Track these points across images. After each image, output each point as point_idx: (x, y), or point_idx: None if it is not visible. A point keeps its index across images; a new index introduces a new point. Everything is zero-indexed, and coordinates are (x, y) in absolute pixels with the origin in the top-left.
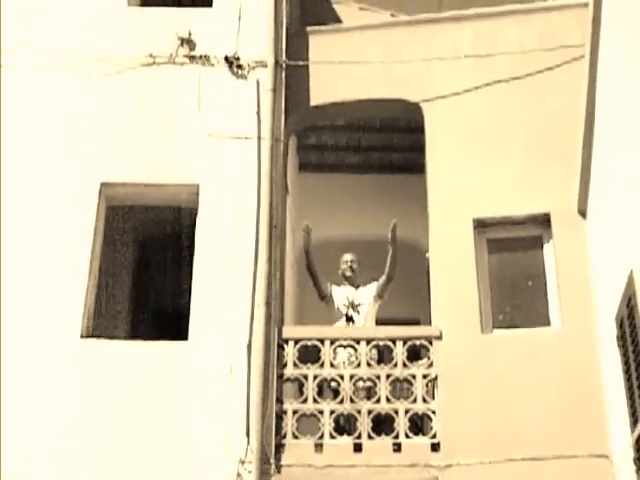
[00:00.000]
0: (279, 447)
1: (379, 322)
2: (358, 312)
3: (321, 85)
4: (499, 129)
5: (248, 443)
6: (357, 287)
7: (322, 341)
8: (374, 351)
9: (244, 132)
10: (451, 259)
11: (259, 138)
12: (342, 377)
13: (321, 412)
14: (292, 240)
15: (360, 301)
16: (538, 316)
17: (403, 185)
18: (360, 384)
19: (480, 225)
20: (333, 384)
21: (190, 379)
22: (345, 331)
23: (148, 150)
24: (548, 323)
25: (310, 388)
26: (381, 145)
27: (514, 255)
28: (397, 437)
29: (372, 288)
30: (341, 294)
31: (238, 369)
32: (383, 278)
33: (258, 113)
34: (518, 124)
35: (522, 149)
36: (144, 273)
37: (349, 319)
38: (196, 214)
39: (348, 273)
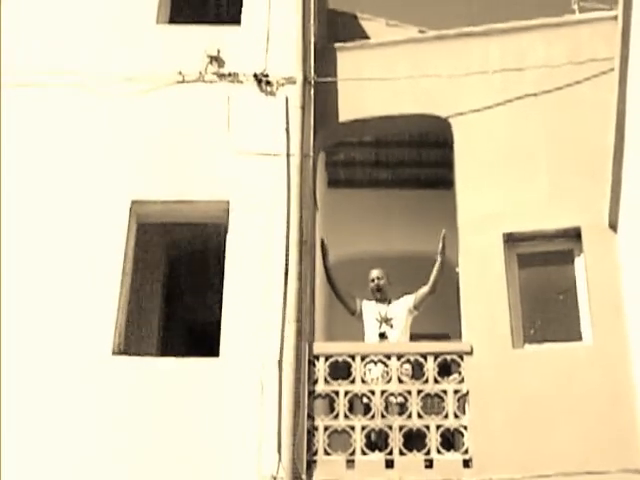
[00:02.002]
0: (311, 463)
1: (410, 337)
2: (392, 326)
3: (349, 101)
4: (528, 143)
5: (280, 459)
6: (389, 302)
7: (353, 357)
8: (405, 367)
9: (273, 149)
10: (481, 274)
11: (288, 155)
12: (373, 393)
13: (352, 428)
14: (321, 255)
15: (393, 315)
16: (569, 331)
17: (432, 200)
18: (391, 400)
19: (510, 239)
20: (364, 400)
21: (221, 396)
22: (376, 347)
23: (178, 167)
24: (580, 338)
25: (341, 404)
26: (410, 160)
27: (545, 269)
28: (429, 453)
29: (406, 301)
30: (372, 310)
31: (269, 386)
32: (425, 289)
33: (287, 129)
34: (547, 138)
35: (552, 163)
36: (175, 290)
37: (382, 335)
38: (226, 231)
39: (376, 290)
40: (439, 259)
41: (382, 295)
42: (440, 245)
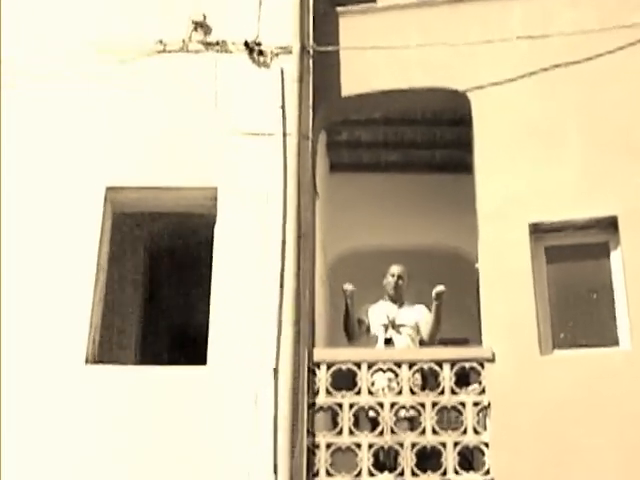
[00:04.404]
0: None
1: (422, 342)
2: (399, 332)
3: (353, 73)
4: (557, 120)
5: None
6: (400, 305)
7: (358, 365)
8: (417, 376)
9: (267, 128)
10: (504, 270)
11: (284, 134)
12: (382, 406)
13: (358, 446)
14: (322, 251)
15: (402, 321)
16: (604, 334)
17: (448, 186)
18: (402, 413)
19: (537, 231)
20: (371, 414)
21: (209, 408)
22: (384, 353)
23: (159, 149)
24: (616, 342)
25: (345, 418)
26: (423, 141)
27: (576, 264)
28: (445, 473)
29: (418, 312)
30: (380, 312)
31: (263, 397)
32: (423, 336)
33: (283, 106)
34: (578, 114)
35: (584, 143)
36: (156, 289)
37: (388, 342)
38: (214, 222)
39: (392, 289)
40: (435, 304)
41: (396, 295)
42: (434, 294)
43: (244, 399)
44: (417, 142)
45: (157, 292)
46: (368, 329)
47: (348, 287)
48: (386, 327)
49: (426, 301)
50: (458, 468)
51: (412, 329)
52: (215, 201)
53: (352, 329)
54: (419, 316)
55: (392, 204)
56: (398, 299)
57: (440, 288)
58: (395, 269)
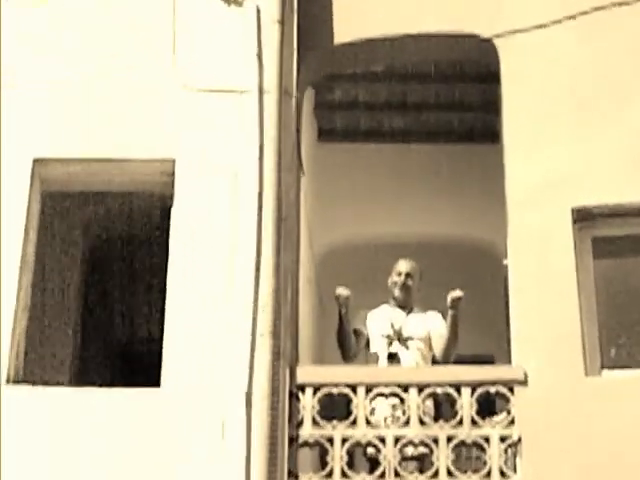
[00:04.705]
0: None
1: (436, 360)
2: (407, 346)
3: (349, 14)
4: (608, 77)
5: None
6: (409, 311)
7: (354, 388)
8: (429, 403)
9: (239, 83)
10: (540, 267)
11: (260, 92)
12: (383, 441)
13: None
14: (309, 242)
15: (411, 332)
16: None
17: (469, 159)
18: (409, 451)
19: (582, 218)
20: (370, 450)
21: (163, 442)
22: (387, 373)
23: (100, 111)
24: None
25: (337, 456)
26: (437, 102)
27: (631, 260)
28: None
29: (431, 321)
30: (383, 320)
31: (232, 429)
32: (436, 353)
33: (259, 54)
34: (633, 69)
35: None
36: (96, 290)
37: (392, 357)
38: (170, 204)
39: (399, 291)
40: (451, 313)
41: (404, 299)
42: (449, 301)
43: (208, 431)
44: (429, 103)
45: (98, 294)
46: (368, 343)
47: (343, 292)
48: (390, 339)
49: (439, 308)
50: None
51: (423, 342)
52: (172, 177)
53: (348, 345)
54: (432, 326)
55: (397, 182)
56: (406, 304)
57: (457, 293)
58: (403, 266)
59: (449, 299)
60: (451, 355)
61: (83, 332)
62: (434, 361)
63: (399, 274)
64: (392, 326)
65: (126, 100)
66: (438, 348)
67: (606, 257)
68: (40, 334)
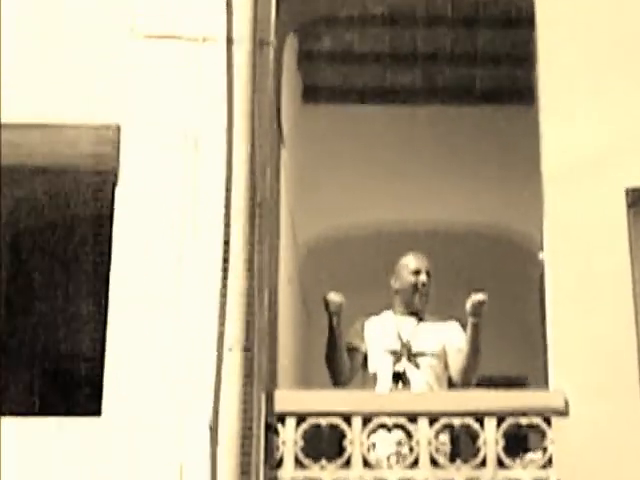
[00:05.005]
0: None
1: (452, 383)
2: (416, 365)
3: None
4: None
5: None
6: (419, 319)
7: (348, 418)
8: (444, 437)
9: (202, 29)
10: (585, 264)
11: (229, 40)
12: None
13: None
14: (291, 230)
15: (422, 347)
16: None
17: (493, 125)
18: None
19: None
20: None
21: None
22: (391, 399)
23: (26, 67)
24: None
25: None
26: (453, 53)
27: None
28: None
29: (448, 332)
30: (386, 329)
31: (193, 470)
32: (453, 373)
33: None
34: None
35: None
36: (18, 294)
37: (398, 378)
38: (114, 181)
39: (416, 297)
40: (472, 321)
41: (418, 304)
42: (469, 307)
43: (162, 473)
44: (443, 54)
45: (19, 299)
46: (365, 360)
47: (334, 298)
48: (397, 356)
49: (456, 316)
50: None
51: (437, 359)
52: (117, 147)
53: (340, 366)
54: (448, 338)
55: (401, 155)
56: (418, 310)
57: (479, 296)
58: (419, 262)
59: (469, 304)
60: (472, 376)
61: (3, 341)
62: (450, 384)
63: (416, 272)
64: (400, 338)
65: (58, 49)
66: (456, 367)
67: None
68: None
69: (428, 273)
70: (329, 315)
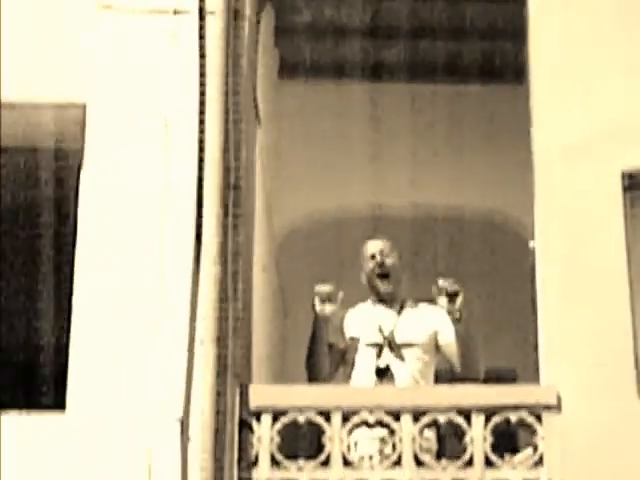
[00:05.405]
0: None
1: (440, 378)
2: (401, 357)
3: None
4: None
5: None
6: (401, 307)
7: (327, 414)
8: (430, 434)
9: (174, 1)
10: (579, 252)
11: (201, 12)
12: None
13: None
14: (266, 214)
15: (407, 338)
16: None
17: (483, 104)
18: None
19: (637, 184)
20: None
21: None
22: (372, 394)
23: None
24: None
25: None
26: (442, 26)
27: None
28: None
29: (433, 318)
30: (366, 321)
31: (162, 470)
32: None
33: None
34: None
35: None
36: None
37: (381, 373)
38: (79, 163)
39: (379, 282)
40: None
41: (390, 288)
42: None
43: (130, 471)
44: (431, 28)
45: None
46: (344, 357)
47: (322, 288)
48: (380, 348)
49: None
50: None
51: (424, 350)
52: (82, 128)
53: (318, 364)
54: (439, 331)
55: (386, 135)
56: (394, 297)
57: (449, 285)
58: (374, 246)
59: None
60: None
61: None
62: (437, 377)
63: (372, 257)
64: (381, 330)
65: (19, 23)
66: (454, 360)
67: None
68: None
69: (383, 254)
70: (315, 315)
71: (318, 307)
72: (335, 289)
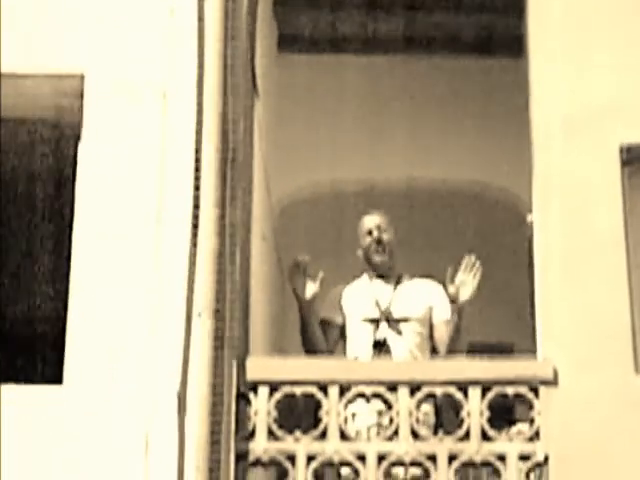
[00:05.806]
0: None
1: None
2: (398, 331)
3: None
4: None
5: None
6: (397, 282)
7: (324, 387)
8: (426, 408)
9: None
10: (576, 227)
11: None
12: (363, 458)
13: None
14: (265, 188)
15: (404, 312)
16: None
17: (481, 78)
18: (399, 473)
19: (634, 159)
20: (345, 471)
21: (66, 461)
22: (369, 367)
23: None
24: None
25: (301, 479)
26: (434, 0)
27: None
28: None
29: (430, 293)
30: (362, 296)
31: (160, 442)
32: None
33: None
34: None
35: None
36: None
37: (379, 346)
38: (78, 135)
39: (376, 256)
40: (453, 319)
41: (386, 262)
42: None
43: (126, 445)
44: (426, 1)
45: None
46: (343, 332)
47: (303, 258)
48: (377, 322)
49: (440, 279)
50: None
51: (421, 324)
52: (80, 99)
53: (313, 339)
54: (434, 306)
55: (384, 108)
56: (390, 272)
57: (459, 292)
58: (370, 221)
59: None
60: (457, 341)
61: None
62: (434, 351)
63: (369, 232)
64: (377, 304)
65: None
66: (442, 340)
67: None
68: None
69: (380, 228)
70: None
71: (299, 290)
72: (315, 268)
